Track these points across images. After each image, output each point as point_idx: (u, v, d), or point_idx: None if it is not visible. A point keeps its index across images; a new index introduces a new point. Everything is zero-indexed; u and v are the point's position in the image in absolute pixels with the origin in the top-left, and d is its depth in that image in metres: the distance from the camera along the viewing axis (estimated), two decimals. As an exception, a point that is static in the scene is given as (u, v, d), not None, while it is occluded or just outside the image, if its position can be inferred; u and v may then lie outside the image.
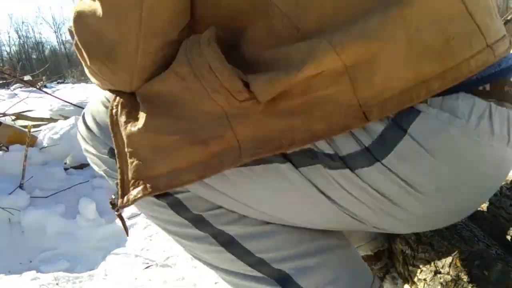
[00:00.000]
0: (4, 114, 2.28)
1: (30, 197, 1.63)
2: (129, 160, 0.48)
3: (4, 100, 3.68)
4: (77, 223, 1.47)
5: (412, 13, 0.38)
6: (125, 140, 0.49)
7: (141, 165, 0.47)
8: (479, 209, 0.76)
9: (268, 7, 0.42)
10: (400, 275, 0.75)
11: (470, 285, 0.54)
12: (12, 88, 6.25)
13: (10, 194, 1.60)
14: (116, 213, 0.51)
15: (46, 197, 1.67)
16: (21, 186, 1.68)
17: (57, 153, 1.96)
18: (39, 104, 2.87)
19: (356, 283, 0.53)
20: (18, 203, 1.56)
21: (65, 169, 1.91)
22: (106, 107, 0.58)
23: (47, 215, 1.48)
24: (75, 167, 1.98)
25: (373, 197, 0.44)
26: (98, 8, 0.45)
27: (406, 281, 0.71)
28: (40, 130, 2.15)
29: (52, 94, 2.56)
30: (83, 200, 1.55)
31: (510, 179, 0.74)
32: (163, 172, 0.46)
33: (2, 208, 1.50)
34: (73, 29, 0.50)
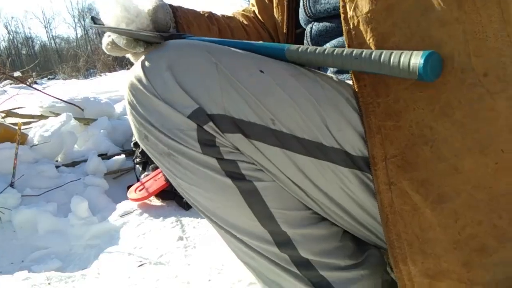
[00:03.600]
0: (-7, 112, 2.25)
1: (21, 195, 1.61)
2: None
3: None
4: (69, 221, 1.46)
5: None
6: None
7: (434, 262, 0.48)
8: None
9: None
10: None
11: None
12: (1, 84, 6.17)
13: (0, 193, 1.58)
14: None
15: (37, 196, 1.65)
16: (12, 185, 1.66)
17: (48, 150, 1.94)
18: (29, 101, 2.83)
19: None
20: (9, 202, 1.55)
21: (57, 167, 1.89)
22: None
23: (38, 214, 1.47)
24: (67, 165, 1.96)
25: None
26: None
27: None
28: (31, 127, 2.12)
29: (42, 90, 2.53)
30: (75, 198, 1.53)
31: None
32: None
33: (-7, 207, 1.48)
34: None
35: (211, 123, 0.49)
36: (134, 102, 0.52)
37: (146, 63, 0.52)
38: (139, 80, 0.51)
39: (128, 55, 0.69)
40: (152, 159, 0.56)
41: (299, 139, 0.51)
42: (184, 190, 0.55)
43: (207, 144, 0.50)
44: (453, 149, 0.46)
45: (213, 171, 0.51)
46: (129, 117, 0.54)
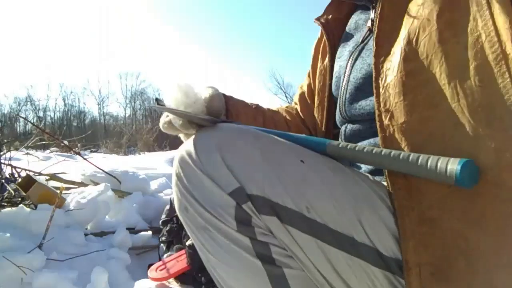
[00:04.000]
0: (40, 174, 2.38)
1: (47, 258, 1.62)
2: None
3: (39, 161, 3.86)
4: (86, 291, 1.44)
5: None
6: None
7: None
8: None
9: None
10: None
11: None
12: (48, 150, 6.57)
13: (28, 252, 1.60)
14: None
15: (62, 261, 1.66)
16: (40, 246, 1.69)
17: (81, 217, 1.99)
18: (72, 168, 2.99)
19: None
20: (34, 264, 1.55)
21: (86, 234, 1.92)
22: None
23: (59, 280, 1.46)
24: (95, 234, 1.99)
25: None
26: None
27: None
28: (70, 193, 2.21)
29: (87, 159, 2.68)
30: (97, 269, 1.53)
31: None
32: None
33: (17, 266, 1.49)
34: None
35: (249, 203, 0.52)
36: (181, 174, 0.56)
37: (198, 141, 0.57)
38: (189, 155, 0.56)
39: (181, 135, 0.76)
40: (187, 232, 0.58)
41: (332, 230, 0.52)
42: (212, 267, 0.56)
43: (243, 223, 0.52)
44: (488, 263, 0.45)
45: (244, 251, 0.53)
46: (174, 188, 0.58)
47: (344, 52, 0.80)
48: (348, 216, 0.52)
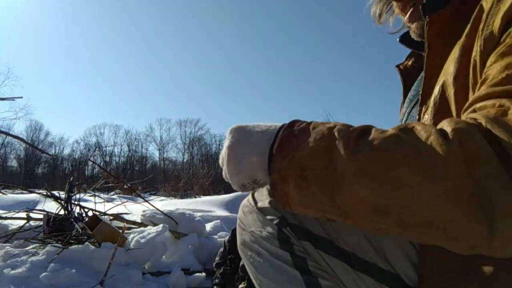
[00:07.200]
0: (105, 213, 2.53)
1: (107, 295, 1.69)
2: None
3: (104, 202, 4.11)
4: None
5: None
6: None
7: None
8: None
9: None
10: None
11: None
12: (113, 192, 6.96)
13: (90, 289, 1.68)
14: None
15: (120, 298, 1.71)
16: (101, 283, 1.76)
17: (140, 256, 2.07)
18: (134, 210, 3.14)
19: None
20: (95, 299, 1.63)
21: (143, 273, 1.98)
22: None
23: (117, 316, 1.50)
24: (152, 273, 2.04)
25: None
26: None
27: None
28: (131, 232, 2.31)
29: (148, 201, 2.81)
30: (153, 308, 1.55)
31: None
32: None
33: (81, 301, 1.57)
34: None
35: (289, 228, 0.64)
36: (242, 216, 0.71)
37: (256, 193, 0.72)
38: (249, 202, 0.71)
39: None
40: (245, 263, 0.70)
41: (359, 258, 0.61)
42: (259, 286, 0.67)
43: (283, 240, 0.64)
44: None
45: (285, 263, 0.63)
46: (237, 229, 0.73)
47: (407, 99, 0.86)
48: (374, 248, 0.61)
